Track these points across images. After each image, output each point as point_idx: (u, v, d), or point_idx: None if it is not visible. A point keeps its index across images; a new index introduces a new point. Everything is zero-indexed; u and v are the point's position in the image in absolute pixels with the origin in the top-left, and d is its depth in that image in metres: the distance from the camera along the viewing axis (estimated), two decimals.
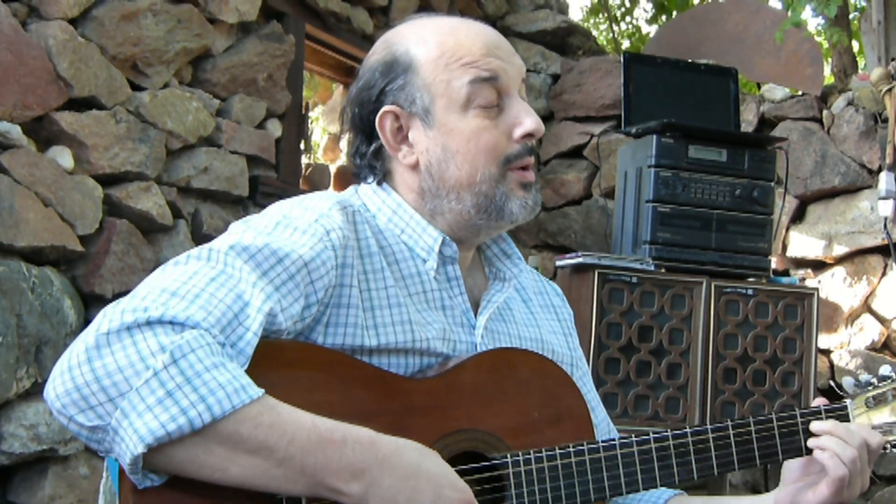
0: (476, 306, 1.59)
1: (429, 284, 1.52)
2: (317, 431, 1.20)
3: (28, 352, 2.94)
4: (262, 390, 1.18)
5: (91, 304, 3.24)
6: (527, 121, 1.51)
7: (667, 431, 1.52)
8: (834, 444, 1.54)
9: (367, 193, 1.57)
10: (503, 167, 1.50)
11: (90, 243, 3.23)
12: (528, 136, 1.51)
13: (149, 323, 1.16)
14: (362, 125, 1.56)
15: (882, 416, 1.66)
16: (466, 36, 1.52)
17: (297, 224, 1.39)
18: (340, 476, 1.21)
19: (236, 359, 1.21)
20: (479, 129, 1.49)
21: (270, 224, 1.39)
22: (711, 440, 1.53)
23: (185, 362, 1.14)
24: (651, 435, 1.50)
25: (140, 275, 3.34)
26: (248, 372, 1.21)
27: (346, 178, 5.27)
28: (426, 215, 1.54)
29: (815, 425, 1.57)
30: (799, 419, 1.59)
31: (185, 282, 1.23)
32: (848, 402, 1.66)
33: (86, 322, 3.19)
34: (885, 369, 1.69)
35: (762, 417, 1.59)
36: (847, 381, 1.69)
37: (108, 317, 1.17)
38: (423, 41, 1.52)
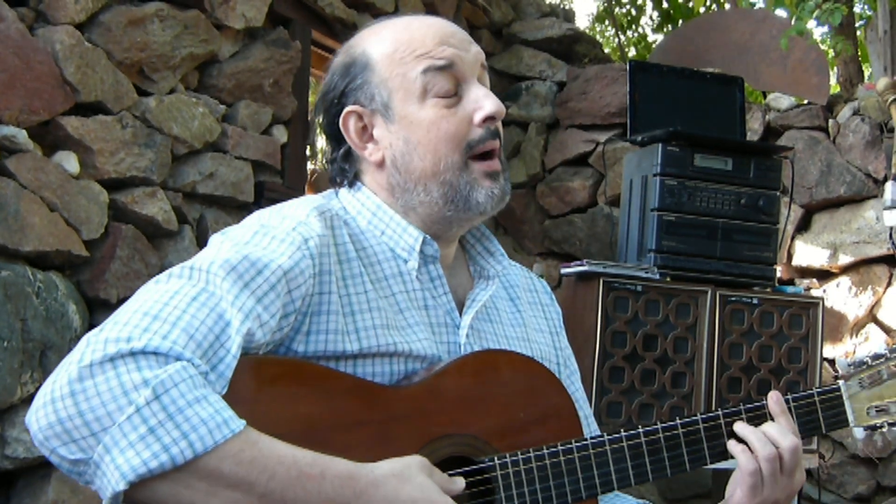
0: (461, 306, 1.58)
1: (411, 284, 1.51)
2: (297, 466, 1.20)
3: (32, 356, 2.94)
4: (244, 422, 1.18)
5: (96, 308, 3.24)
6: (486, 103, 1.50)
7: (657, 424, 1.50)
8: (755, 439, 1.52)
9: (346, 196, 1.58)
10: (466, 154, 1.50)
11: (95, 248, 3.23)
12: (490, 119, 1.51)
13: (132, 354, 1.16)
14: (330, 130, 1.58)
15: (877, 395, 1.63)
16: (419, 29, 1.53)
17: (275, 233, 1.39)
18: None
19: (217, 382, 1.21)
20: (438, 118, 1.49)
21: (248, 234, 1.40)
22: (702, 430, 1.52)
23: (167, 398, 1.14)
24: (641, 429, 1.49)
25: (145, 280, 3.32)
26: (231, 389, 1.22)
27: None
28: (399, 212, 1.54)
29: (737, 427, 1.54)
30: (792, 402, 1.59)
31: (166, 303, 1.23)
32: (841, 383, 1.64)
33: (90, 327, 3.18)
34: (879, 347, 1.66)
35: (734, 408, 1.56)
36: (841, 362, 1.67)
37: (91, 346, 1.18)
38: (379, 40, 1.54)
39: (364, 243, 1.51)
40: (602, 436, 1.46)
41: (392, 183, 1.53)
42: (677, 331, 3.59)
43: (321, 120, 1.59)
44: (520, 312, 1.70)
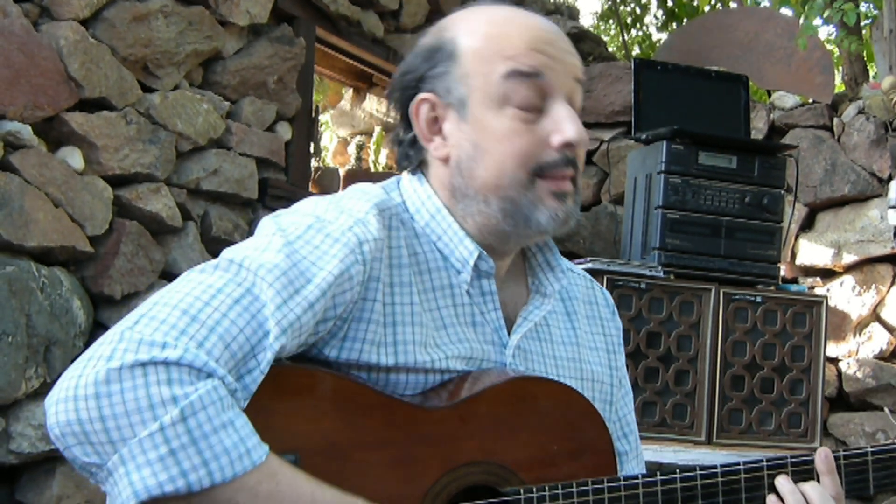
0: (511, 322, 1.49)
1: (460, 298, 1.44)
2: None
3: (37, 352, 2.94)
4: (266, 450, 1.15)
5: (100, 304, 3.25)
6: (567, 128, 1.37)
7: (694, 471, 1.42)
8: (793, 501, 1.42)
9: (407, 191, 1.49)
10: (533, 174, 1.38)
11: (99, 244, 3.23)
12: (568, 145, 1.38)
13: (166, 363, 1.11)
14: (402, 111, 1.48)
15: None
16: (516, 27, 1.41)
17: (330, 230, 1.31)
18: None
19: (241, 395, 1.17)
20: (513, 132, 1.38)
21: (302, 226, 1.31)
22: (743, 480, 1.43)
23: (193, 421, 1.10)
24: (678, 474, 1.40)
25: (149, 276, 3.34)
26: (253, 397, 1.18)
27: (355, 182, 5.27)
28: (458, 216, 1.44)
29: (778, 482, 1.44)
30: (842, 460, 1.48)
31: (207, 301, 1.18)
32: None
33: (95, 323, 3.19)
34: None
35: (804, 457, 1.47)
36: None
37: (125, 344, 1.12)
38: (471, 30, 1.42)
39: (417, 248, 1.43)
40: (637, 477, 1.38)
41: (454, 184, 1.43)
42: (681, 328, 3.59)
43: (394, 98, 1.49)
44: (574, 329, 1.60)
